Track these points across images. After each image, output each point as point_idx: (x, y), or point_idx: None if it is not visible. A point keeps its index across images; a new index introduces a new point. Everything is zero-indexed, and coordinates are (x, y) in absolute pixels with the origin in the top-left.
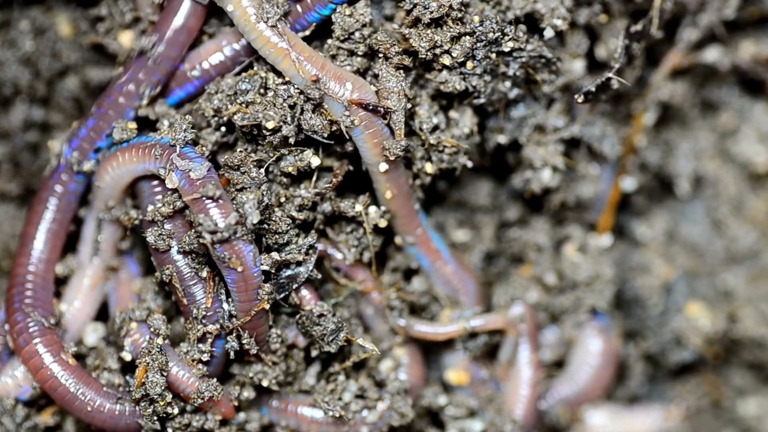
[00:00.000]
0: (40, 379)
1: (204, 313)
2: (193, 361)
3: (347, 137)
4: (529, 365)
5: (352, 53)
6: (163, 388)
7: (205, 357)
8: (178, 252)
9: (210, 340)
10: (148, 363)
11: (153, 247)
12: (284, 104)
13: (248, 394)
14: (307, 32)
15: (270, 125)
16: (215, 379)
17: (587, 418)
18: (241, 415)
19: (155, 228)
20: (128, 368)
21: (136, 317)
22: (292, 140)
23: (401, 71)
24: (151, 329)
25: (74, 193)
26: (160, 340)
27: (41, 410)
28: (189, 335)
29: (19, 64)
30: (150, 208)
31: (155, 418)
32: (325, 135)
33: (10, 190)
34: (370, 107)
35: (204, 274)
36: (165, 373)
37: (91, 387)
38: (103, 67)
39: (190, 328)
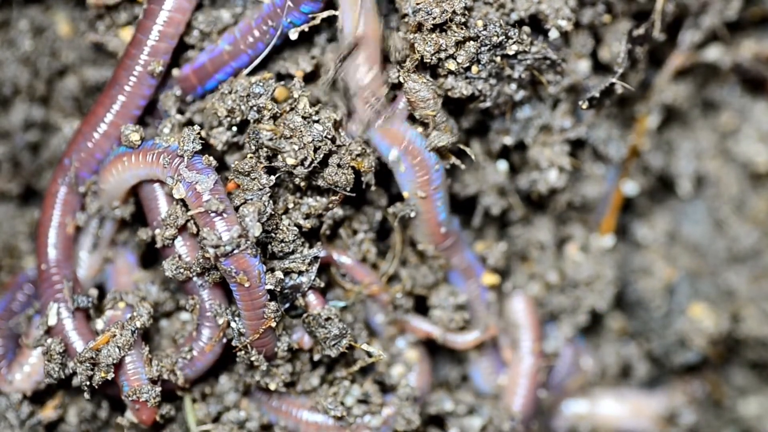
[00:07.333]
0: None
1: (195, 354)
2: (150, 363)
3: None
4: (531, 354)
5: None
6: (114, 362)
7: (155, 376)
8: (202, 286)
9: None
10: (115, 335)
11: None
12: (311, 144)
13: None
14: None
15: (289, 161)
16: (159, 389)
17: (595, 402)
18: (242, 414)
19: (172, 261)
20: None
21: (128, 300)
22: (300, 182)
23: (424, 75)
24: (135, 312)
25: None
26: (138, 323)
27: (44, 405)
28: (174, 351)
29: (19, 64)
30: (157, 231)
31: (87, 382)
32: (348, 189)
33: (10, 189)
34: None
35: (221, 321)
36: (124, 353)
37: (64, 255)
38: (102, 66)
39: (179, 348)
